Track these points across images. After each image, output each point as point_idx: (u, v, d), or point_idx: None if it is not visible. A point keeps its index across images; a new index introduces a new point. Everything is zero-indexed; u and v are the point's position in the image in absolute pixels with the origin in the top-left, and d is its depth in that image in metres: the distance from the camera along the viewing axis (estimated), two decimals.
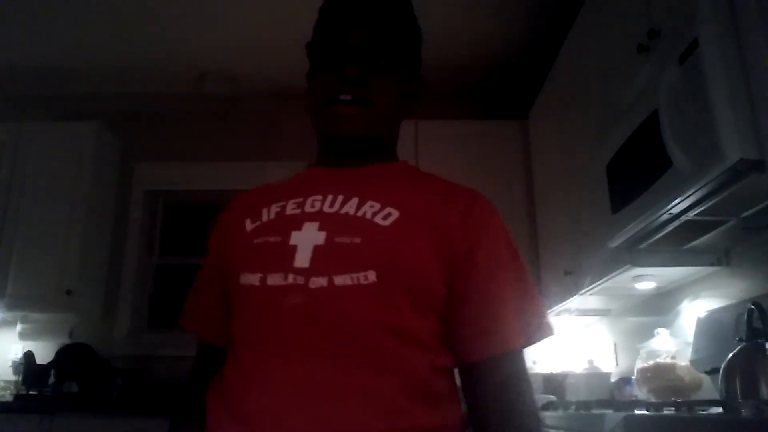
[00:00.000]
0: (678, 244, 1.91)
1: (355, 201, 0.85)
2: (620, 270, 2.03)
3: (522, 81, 3.59)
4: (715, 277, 2.00)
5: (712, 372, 1.69)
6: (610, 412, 1.60)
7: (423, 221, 0.83)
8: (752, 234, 1.76)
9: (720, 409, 1.22)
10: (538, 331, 0.84)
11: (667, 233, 1.78)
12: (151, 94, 3.82)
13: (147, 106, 3.84)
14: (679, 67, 1.53)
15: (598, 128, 2.21)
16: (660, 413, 1.38)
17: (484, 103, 3.72)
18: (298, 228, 0.83)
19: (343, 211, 0.84)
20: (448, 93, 3.72)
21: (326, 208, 0.85)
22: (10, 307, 3.17)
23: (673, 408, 1.34)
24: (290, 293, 0.78)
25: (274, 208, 0.89)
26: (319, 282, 0.77)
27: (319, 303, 0.76)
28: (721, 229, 1.73)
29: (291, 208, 0.87)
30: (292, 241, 0.81)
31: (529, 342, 0.83)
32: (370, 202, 0.84)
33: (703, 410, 1.29)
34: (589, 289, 2.35)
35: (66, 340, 3.28)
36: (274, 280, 0.79)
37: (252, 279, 0.81)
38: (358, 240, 0.80)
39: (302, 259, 0.79)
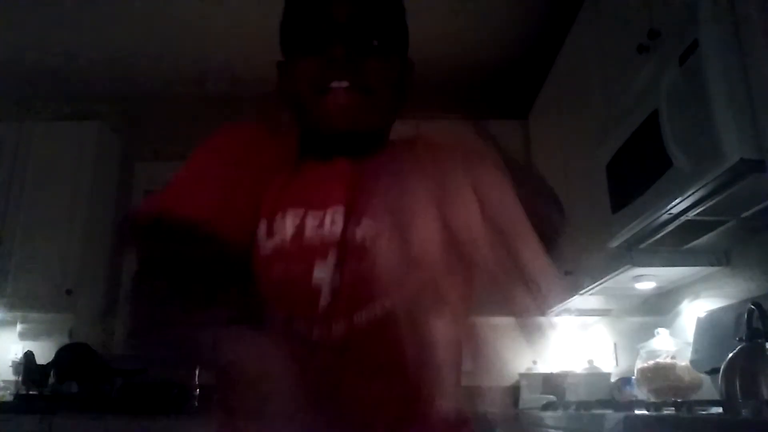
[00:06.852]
0: (678, 244, 1.91)
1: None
2: (620, 270, 2.04)
3: (522, 81, 3.58)
4: (715, 277, 2.00)
5: (712, 372, 1.69)
6: (610, 412, 1.61)
7: None
8: (752, 234, 1.76)
9: (720, 409, 1.23)
10: None
11: (667, 233, 1.78)
12: (151, 94, 3.82)
13: (147, 106, 3.84)
14: (679, 67, 1.53)
15: (598, 128, 2.20)
16: (660, 413, 1.38)
17: (484, 102, 3.72)
18: (323, 257, 0.70)
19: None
20: (448, 93, 3.72)
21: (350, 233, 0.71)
22: (10, 307, 3.17)
23: (673, 408, 1.34)
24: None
25: (292, 219, 0.73)
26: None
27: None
28: (721, 229, 1.73)
29: (311, 228, 0.72)
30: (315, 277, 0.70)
31: None
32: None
33: (703, 410, 1.29)
34: (589, 289, 2.35)
35: (66, 340, 3.28)
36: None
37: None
38: None
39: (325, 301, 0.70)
